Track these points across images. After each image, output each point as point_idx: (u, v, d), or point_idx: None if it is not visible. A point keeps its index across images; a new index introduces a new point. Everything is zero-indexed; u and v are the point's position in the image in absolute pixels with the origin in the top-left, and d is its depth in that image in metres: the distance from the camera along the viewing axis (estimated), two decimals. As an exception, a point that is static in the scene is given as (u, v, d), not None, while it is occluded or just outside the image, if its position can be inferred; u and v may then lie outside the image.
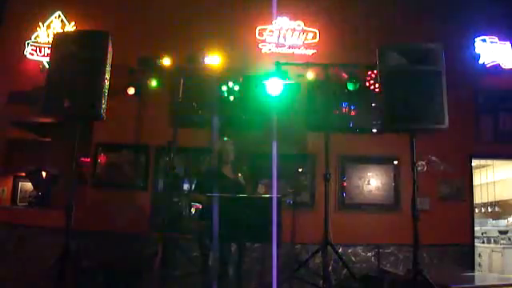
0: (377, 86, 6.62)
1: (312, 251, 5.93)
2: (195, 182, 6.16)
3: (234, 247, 5.26)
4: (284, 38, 7.70)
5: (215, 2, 7.89)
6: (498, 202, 9.72)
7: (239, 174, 5.72)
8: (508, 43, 7.90)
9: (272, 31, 7.73)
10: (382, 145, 7.23)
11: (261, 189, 6.35)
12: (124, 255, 6.51)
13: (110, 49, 4.46)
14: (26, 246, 6.57)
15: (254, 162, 7.08)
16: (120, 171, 7.24)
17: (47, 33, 7.59)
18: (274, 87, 6.38)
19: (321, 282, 6.14)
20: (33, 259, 6.25)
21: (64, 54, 4.39)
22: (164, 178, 7.20)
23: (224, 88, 7.05)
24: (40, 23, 7.66)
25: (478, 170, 9.59)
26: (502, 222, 9.27)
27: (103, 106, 4.35)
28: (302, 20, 7.76)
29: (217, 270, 5.22)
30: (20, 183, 8.36)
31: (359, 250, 7.12)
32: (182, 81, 6.49)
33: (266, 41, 7.71)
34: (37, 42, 7.59)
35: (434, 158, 7.17)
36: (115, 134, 7.19)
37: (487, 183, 9.84)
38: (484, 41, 7.90)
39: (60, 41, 4.53)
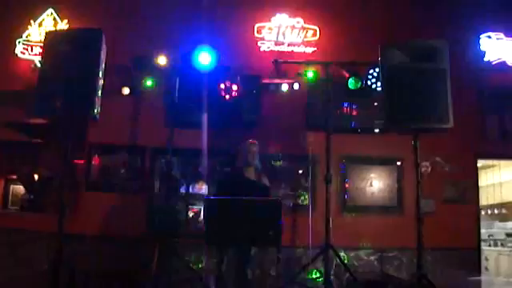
0: (379, 84, 6.61)
1: (313, 255, 5.93)
2: (216, 186, 6.00)
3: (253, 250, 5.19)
4: (283, 35, 7.71)
5: (212, -2, 7.90)
6: (504, 203, 9.73)
7: (263, 176, 5.54)
8: (514, 40, 7.92)
9: (271, 29, 7.73)
10: (385, 145, 7.23)
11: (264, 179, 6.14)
12: (119, 260, 6.48)
13: (103, 47, 4.47)
14: (18, 250, 6.56)
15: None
16: (115, 173, 7.24)
17: (39, 31, 7.58)
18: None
19: (322, 286, 6.14)
20: (25, 265, 6.26)
21: (56, 52, 4.40)
22: (161, 180, 7.20)
23: (221, 87, 7.04)
24: (31, 21, 7.64)
25: (484, 170, 9.60)
26: (509, 225, 9.26)
27: (97, 106, 4.35)
28: (302, 17, 7.77)
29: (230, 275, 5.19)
30: (11, 186, 8.34)
31: (362, 253, 7.13)
32: (177, 80, 6.48)
33: (265, 38, 7.72)
34: (28, 41, 7.58)
35: (438, 159, 7.17)
36: (110, 135, 7.16)
37: (493, 184, 9.86)
38: (489, 37, 7.91)
39: (52, 39, 4.54)
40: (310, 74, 6.80)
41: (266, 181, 5.50)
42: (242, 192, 4.87)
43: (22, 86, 7.11)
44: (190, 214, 7.22)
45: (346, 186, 7.44)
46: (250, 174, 5.45)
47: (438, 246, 6.60)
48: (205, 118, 7.05)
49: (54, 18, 7.67)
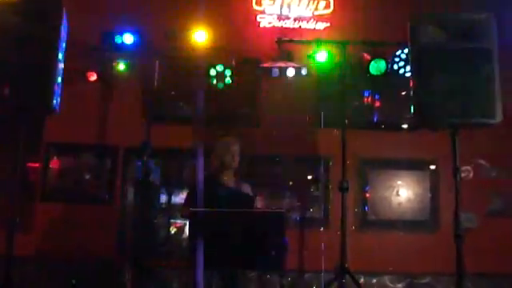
0: (408, 69, 6.60)
1: (325, 281, 5.92)
2: (186, 195, 5.97)
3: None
4: (288, 7, 7.70)
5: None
6: None
7: (245, 183, 5.41)
8: None
9: (273, -1, 7.74)
10: (415, 145, 7.21)
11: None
12: (83, 288, 6.50)
13: (64, 23, 4.45)
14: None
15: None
16: (78, 180, 7.23)
17: (-17, 2, 7.57)
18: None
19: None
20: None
21: (5, 28, 4.37)
22: (136, 187, 7.18)
23: (212, 73, 7.02)
24: (-27, -11, 7.63)
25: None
26: None
27: (56, 96, 4.33)
28: (312, -15, 7.78)
29: None
30: None
31: (386, 280, 7.14)
32: (157, 63, 6.47)
33: (266, 12, 7.72)
34: (-30, 14, 7.57)
35: (482, 162, 7.16)
36: (72, 133, 7.16)
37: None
38: (549, 8, 7.89)
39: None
40: (322, 56, 6.78)
41: (247, 189, 5.37)
42: (217, 202, 4.78)
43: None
44: (172, 230, 7.21)
45: (367, 195, 7.46)
46: (229, 179, 5.32)
47: (482, 270, 6.63)
48: (191, 110, 7.05)
49: (3, -14, 7.66)
